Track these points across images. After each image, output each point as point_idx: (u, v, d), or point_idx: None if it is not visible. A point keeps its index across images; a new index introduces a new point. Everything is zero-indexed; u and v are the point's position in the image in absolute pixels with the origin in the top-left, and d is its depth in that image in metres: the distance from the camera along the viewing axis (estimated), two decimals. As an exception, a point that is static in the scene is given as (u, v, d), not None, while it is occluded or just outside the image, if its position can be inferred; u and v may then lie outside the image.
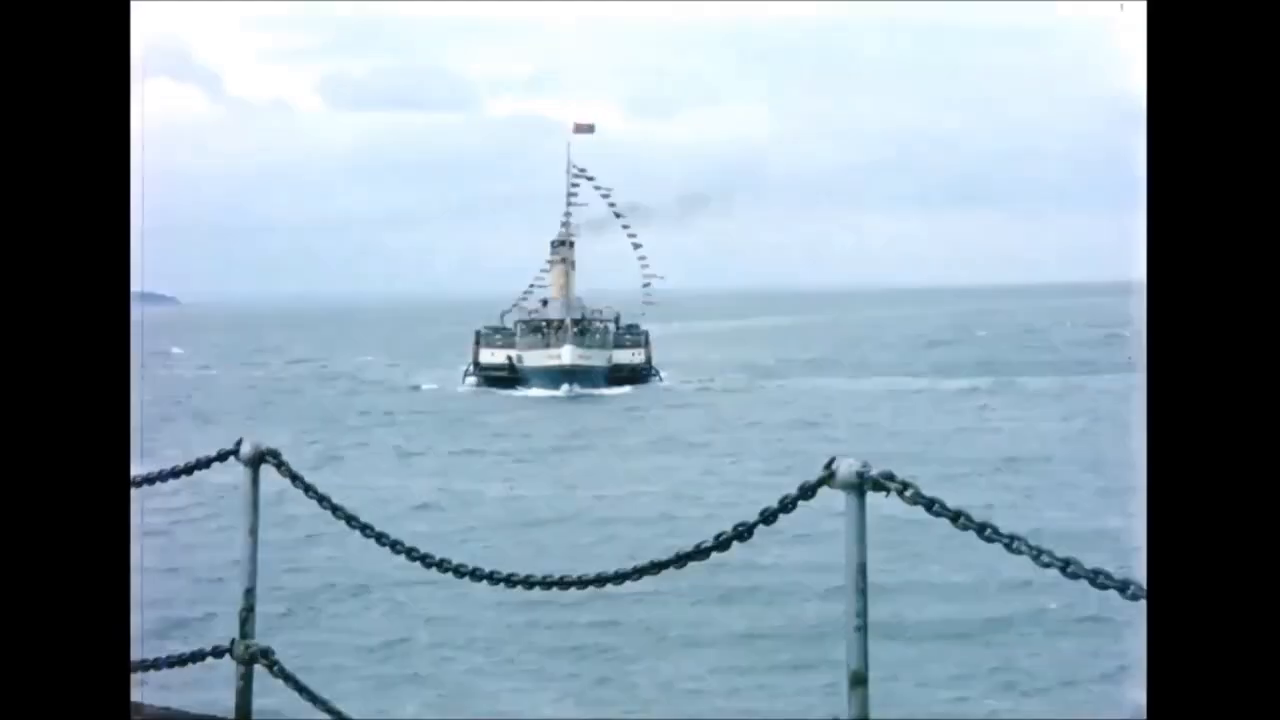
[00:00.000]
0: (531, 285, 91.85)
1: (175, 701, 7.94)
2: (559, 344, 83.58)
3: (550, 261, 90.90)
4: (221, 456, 6.62)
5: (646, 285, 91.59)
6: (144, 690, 6.84)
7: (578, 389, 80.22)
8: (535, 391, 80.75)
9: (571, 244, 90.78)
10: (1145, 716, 4.15)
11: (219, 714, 7.05)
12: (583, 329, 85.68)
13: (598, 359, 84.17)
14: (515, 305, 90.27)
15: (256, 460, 6.43)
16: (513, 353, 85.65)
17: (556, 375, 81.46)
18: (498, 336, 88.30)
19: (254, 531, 6.44)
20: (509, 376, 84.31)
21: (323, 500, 6.43)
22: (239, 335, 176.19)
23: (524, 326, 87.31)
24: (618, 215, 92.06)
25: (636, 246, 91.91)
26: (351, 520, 6.45)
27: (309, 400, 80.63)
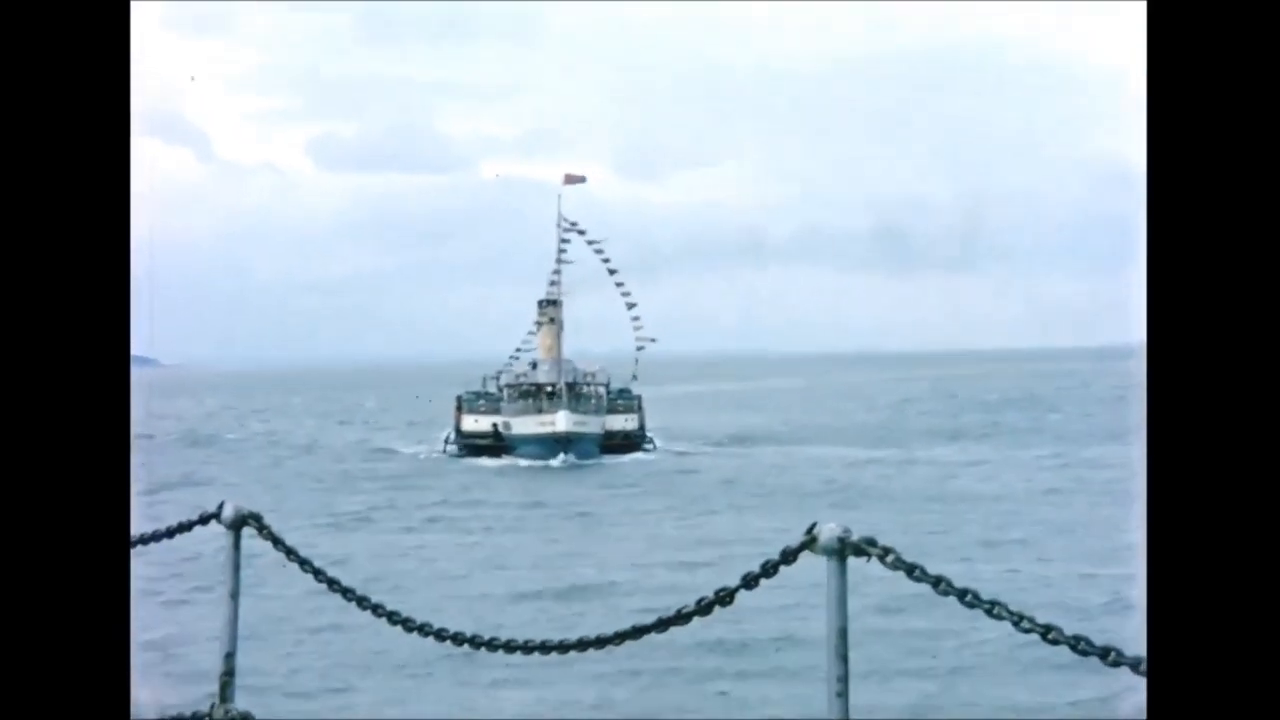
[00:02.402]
0: (518, 349, 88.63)
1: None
2: (552, 409, 79.44)
3: (538, 322, 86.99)
4: (204, 520, 6.59)
5: (640, 348, 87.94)
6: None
7: (573, 459, 75.91)
8: (525, 462, 76.34)
9: (559, 303, 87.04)
10: (1145, 716, 4.16)
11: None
12: (577, 394, 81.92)
13: (593, 425, 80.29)
14: (502, 370, 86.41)
15: (238, 524, 6.41)
16: (499, 419, 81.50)
17: (550, 443, 76.91)
18: (481, 402, 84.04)
19: (235, 595, 6.41)
20: (494, 445, 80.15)
21: (304, 564, 6.41)
22: (224, 397, 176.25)
23: (511, 391, 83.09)
24: (612, 272, 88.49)
25: (631, 306, 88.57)
26: (334, 584, 6.43)
27: (277, 466, 78.66)
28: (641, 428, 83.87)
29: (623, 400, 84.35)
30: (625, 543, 46.50)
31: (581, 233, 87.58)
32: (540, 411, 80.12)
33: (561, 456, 76.05)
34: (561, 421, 77.87)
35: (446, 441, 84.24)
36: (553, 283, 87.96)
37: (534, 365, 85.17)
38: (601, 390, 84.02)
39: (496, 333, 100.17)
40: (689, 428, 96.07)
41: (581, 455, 76.55)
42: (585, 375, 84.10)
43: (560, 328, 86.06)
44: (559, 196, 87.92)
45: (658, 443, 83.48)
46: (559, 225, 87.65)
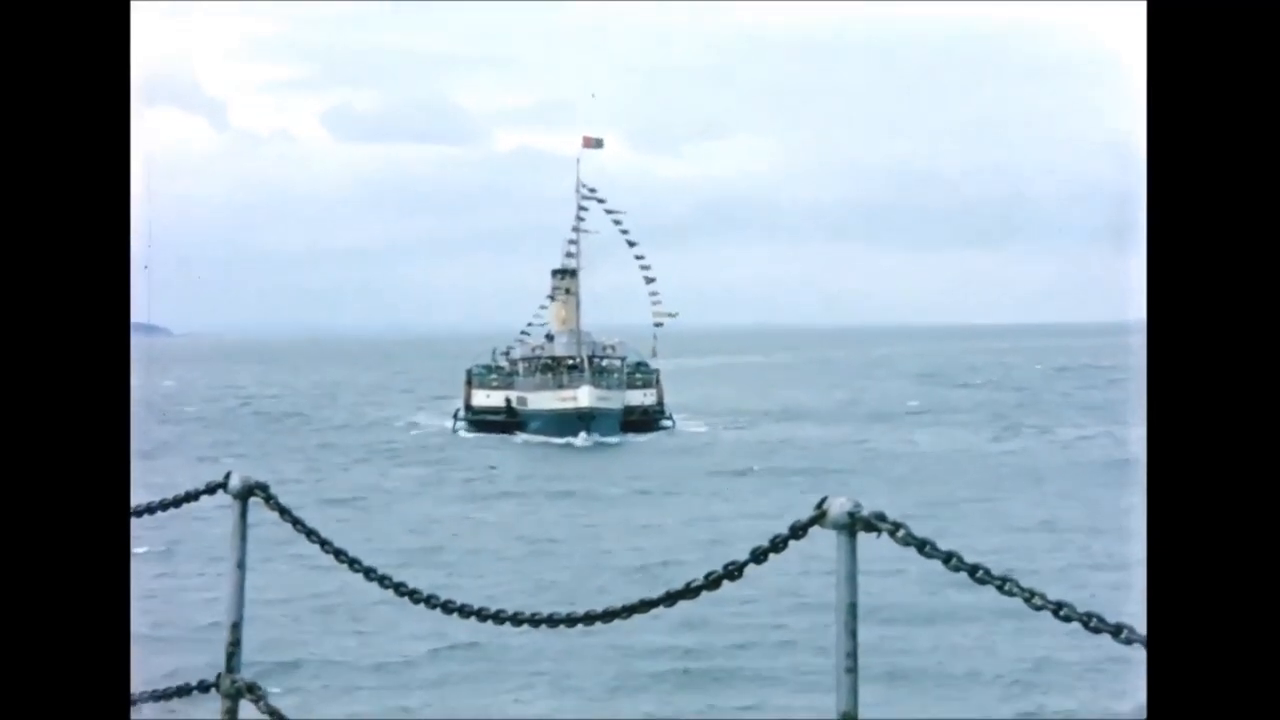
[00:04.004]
0: (530, 323, 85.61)
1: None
2: (574, 384, 75.65)
3: (551, 295, 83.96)
4: (210, 489, 6.54)
5: (659, 324, 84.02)
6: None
7: (596, 437, 72.24)
8: (542, 439, 72.82)
9: (575, 273, 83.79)
10: (1145, 716, 4.12)
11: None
12: (598, 367, 78.54)
13: (615, 401, 76.40)
14: (513, 343, 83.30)
15: (245, 493, 6.36)
16: (512, 394, 78.29)
17: (571, 420, 72.85)
18: (493, 376, 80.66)
19: (241, 565, 6.37)
20: (507, 421, 76.89)
21: (311, 534, 6.35)
22: (224, 368, 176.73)
23: (527, 365, 79.96)
24: (631, 244, 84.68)
25: (649, 280, 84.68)
26: (341, 555, 6.38)
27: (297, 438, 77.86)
28: (660, 403, 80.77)
29: (641, 374, 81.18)
30: (656, 522, 45.84)
31: (601, 200, 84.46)
32: (560, 386, 76.48)
33: (584, 435, 72.50)
34: (585, 396, 74.07)
35: (456, 417, 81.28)
36: (569, 253, 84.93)
37: (550, 338, 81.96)
38: (619, 364, 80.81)
39: (510, 305, 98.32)
40: (707, 403, 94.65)
41: (603, 432, 73.09)
42: (604, 348, 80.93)
43: (577, 299, 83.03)
44: (578, 161, 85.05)
45: (676, 419, 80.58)
46: (578, 191, 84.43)
